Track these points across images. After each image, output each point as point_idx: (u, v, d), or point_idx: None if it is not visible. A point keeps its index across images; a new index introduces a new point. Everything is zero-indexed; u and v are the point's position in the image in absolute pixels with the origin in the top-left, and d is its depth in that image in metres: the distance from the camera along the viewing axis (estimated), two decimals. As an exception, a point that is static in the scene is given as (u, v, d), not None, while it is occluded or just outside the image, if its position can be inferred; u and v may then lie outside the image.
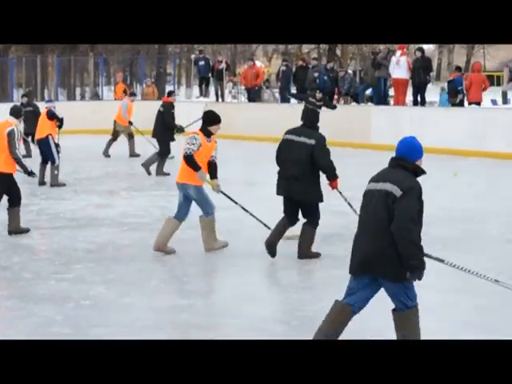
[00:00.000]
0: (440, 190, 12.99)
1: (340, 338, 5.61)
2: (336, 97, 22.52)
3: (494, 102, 22.97)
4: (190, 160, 9.01)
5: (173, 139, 16.11)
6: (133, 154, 19.14)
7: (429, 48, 61.28)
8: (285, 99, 24.34)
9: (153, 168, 15.81)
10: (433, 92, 25.59)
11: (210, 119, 9.23)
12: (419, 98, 21.01)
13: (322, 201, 8.89)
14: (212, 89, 26.81)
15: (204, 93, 27.43)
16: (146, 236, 10.10)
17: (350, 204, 9.40)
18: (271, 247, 8.92)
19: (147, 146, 17.45)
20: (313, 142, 8.63)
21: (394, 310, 5.70)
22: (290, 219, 8.95)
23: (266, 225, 9.62)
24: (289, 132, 9.00)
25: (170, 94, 17.24)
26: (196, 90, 29.49)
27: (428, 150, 18.02)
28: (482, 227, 10.62)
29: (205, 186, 9.27)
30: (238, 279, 8.33)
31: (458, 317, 7.00)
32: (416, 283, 5.57)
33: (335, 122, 18.54)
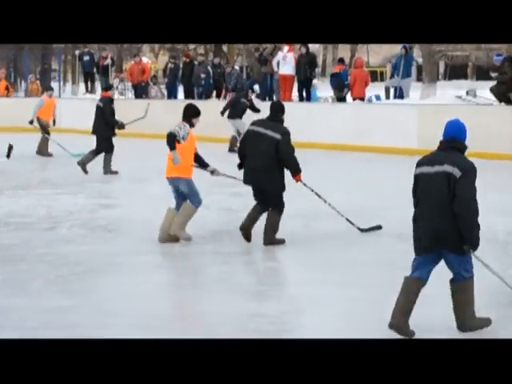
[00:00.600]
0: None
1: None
2: (224, 92, 22.58)
3: (377, 97, 23.50)
4: (170, 137, 9.12)
5: (114, 134, 15.42)
6: (43, 153, 18.40)
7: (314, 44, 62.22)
8: (172, 95, 24.30)
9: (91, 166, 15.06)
10: (324, 87, 26.04)
11: (194, 111, 9.46)
12: (305, 94, 21.34)
13: (284, 190, 9.38)
14: (98, 85, 26.46)
15: (90, 89, 27.07)
16: (31, 235, 9.93)
17: (317, 194, 9.97)
18: (246, 231, 9.36)
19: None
20: (278, 136, 9.09)
21: (451, 281, 6.25)
22: (261, 206, 9.39)
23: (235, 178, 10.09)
24: (255, 123, 9.47)
25: (108, 88, 16.39)
26: (82, 86, 29.08)
27: (314, 145, 18.38)
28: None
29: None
30: (124, 278, 8.25)
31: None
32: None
33: (223, 118, 18.59)
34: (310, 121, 19.44)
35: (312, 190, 9.92)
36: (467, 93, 22.07)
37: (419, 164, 6.25)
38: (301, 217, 10.78)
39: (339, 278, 8.02)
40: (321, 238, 9.81)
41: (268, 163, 9.08)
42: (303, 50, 20.80)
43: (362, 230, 9.99)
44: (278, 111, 9.38)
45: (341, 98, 21.14)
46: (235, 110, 18.29)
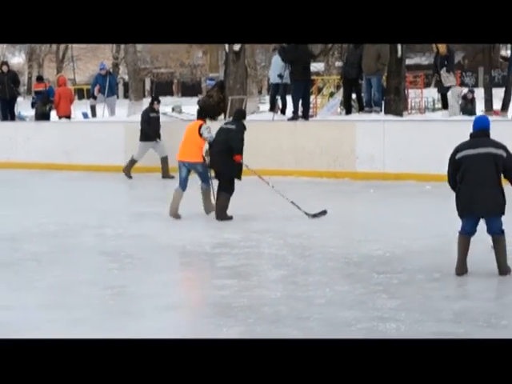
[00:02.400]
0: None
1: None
2: None
3: (85, 115, 23.26)
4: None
5: None
6: None
7: (19, 63, 60.40)
8: None
9: None
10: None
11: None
12: (9, 114, 20.62)
13: (236, 177, 11.61)
14: None
15: None
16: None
17: (260, 176, 12.08)
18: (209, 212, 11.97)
19: None
20: (234, 127, 11.70)
21: (492, 236, 8.15)
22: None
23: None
24: (225, 123, 12.45)
25: None
26: None
27: (19, 165, 17.63)
28: (76, 241, 10.61)
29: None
30: None
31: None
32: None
33: None
34: (14, 141, 18.88)
35: (255, 173, 12.07)
36: (173, 109, 22.50)
37: (460, 148, 8.20)
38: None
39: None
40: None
41: (224, 148, 11.49)
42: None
43: (310, 216, 11.48)
44: (239, 114, 12.15)
45: (44, 115, 20.60)
46: None
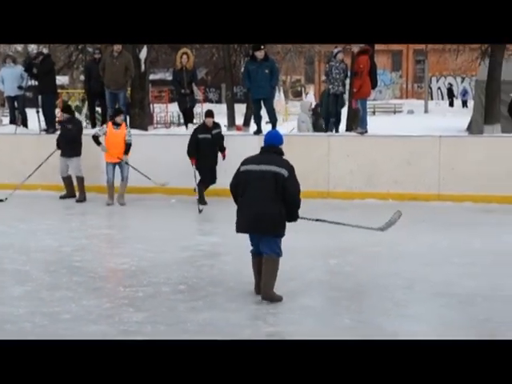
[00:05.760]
0: None
1: None
2: None
3: None
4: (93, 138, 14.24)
5: None
6: None
7: None
8: None
9: None
10: None
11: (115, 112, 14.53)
12: None
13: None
14: None
15: None
16: None
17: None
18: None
19: None
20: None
21: (263, 256, 7.79)
22: None
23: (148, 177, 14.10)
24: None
25: None
26: None
27: None
28: None
29: None
30: None
31: None
32: None
33: None
34: None
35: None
36: None
37: (245, 163, 7.83)
38: None
39: None
40: None
41: None
42: None
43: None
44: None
45: None
46: None
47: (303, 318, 7.35)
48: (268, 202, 7.64)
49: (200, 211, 13.29)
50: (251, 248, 8.00)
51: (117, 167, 14.36)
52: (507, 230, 11.71)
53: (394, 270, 9.24)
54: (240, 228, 7.86)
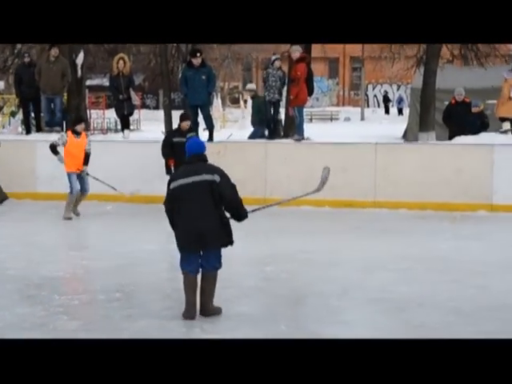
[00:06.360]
0: None
1: None
2: None
3: None
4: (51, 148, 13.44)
5: None
6: None
7: None
8: None
9: None
10: None
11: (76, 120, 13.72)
12: None
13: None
14: None
15: None
16: None
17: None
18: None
19: None
20: None
21: (204, 273, 7.51)
22: None
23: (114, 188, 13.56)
24: None
25: None
26: None
27: None
28: None
29: None
30: None
31: None
32: None
33: None
34: None
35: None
36: None
37: (177, 177, 7.48)
38: None
39: None
40: None
41: None
42: None
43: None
44: None
45: None
46: None
47: (240, 325, 7.35)
48: (207, 215, 7.34)
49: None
50: (185, 268, 7.52)
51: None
52: (442, 236, 11.90)
53: (329, 276, 9.31)
54: (184, 248, 7.46)
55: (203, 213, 7.32)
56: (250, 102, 17.19)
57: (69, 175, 13.50)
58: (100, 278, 9.19)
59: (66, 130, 14.33)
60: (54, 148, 13.47)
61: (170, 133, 14.29)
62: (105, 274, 9.34)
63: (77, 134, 13.44)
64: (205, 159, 7.61)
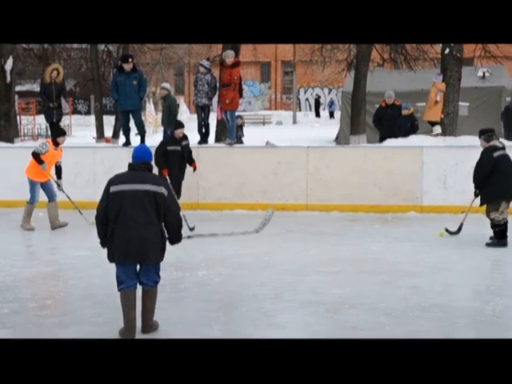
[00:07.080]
0: None
1: None
2: None
3: None
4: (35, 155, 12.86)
5: None
6: None
7: None
8: None
9: None
10: None
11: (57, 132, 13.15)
12: None
13: None
14: None
15: None
16: None
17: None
18: None
19: None
20: None
21: (143, 289, 7.17)
22: None
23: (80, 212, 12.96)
24: None
25: None
26: None
27: None
28: None
29: None
30: None
31: None
32: None
33: None
34: None
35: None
36: None
37: (117, 182, 7.00)
38: None
39: None
40: None
41: None
42: None
43: None
44: None
45: None
46: None
47: (173, 329, 7.32)
48: (150, 225, 6.93)
49: (191, 229, 12.49)
50: (123, 284, 7.05)
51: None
52: (373, 238, 12.03)
53: (262, 279, 9.33)
54: (121, 259, 6.98)
55: (146, 222, 6.91)
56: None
57: (33, 184, 13.02)
58: (30, 285, 9.06)
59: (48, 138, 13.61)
60: (37, 156, 12.83)
61: (164, 141, 13.86)
62: (35, 282, 9.21)
63: (56, 145, 13.00)
64: (150, 169, 7.22)
